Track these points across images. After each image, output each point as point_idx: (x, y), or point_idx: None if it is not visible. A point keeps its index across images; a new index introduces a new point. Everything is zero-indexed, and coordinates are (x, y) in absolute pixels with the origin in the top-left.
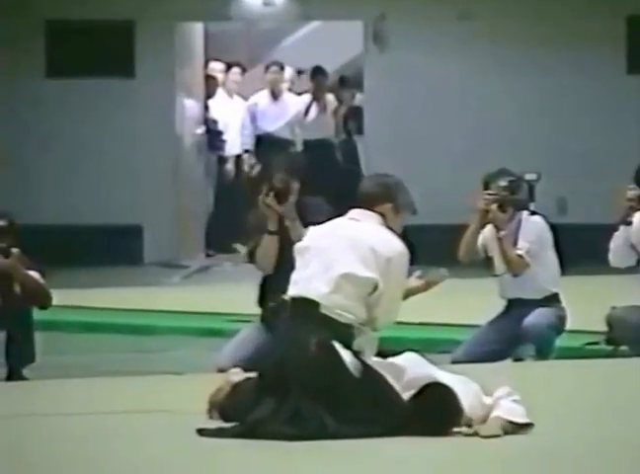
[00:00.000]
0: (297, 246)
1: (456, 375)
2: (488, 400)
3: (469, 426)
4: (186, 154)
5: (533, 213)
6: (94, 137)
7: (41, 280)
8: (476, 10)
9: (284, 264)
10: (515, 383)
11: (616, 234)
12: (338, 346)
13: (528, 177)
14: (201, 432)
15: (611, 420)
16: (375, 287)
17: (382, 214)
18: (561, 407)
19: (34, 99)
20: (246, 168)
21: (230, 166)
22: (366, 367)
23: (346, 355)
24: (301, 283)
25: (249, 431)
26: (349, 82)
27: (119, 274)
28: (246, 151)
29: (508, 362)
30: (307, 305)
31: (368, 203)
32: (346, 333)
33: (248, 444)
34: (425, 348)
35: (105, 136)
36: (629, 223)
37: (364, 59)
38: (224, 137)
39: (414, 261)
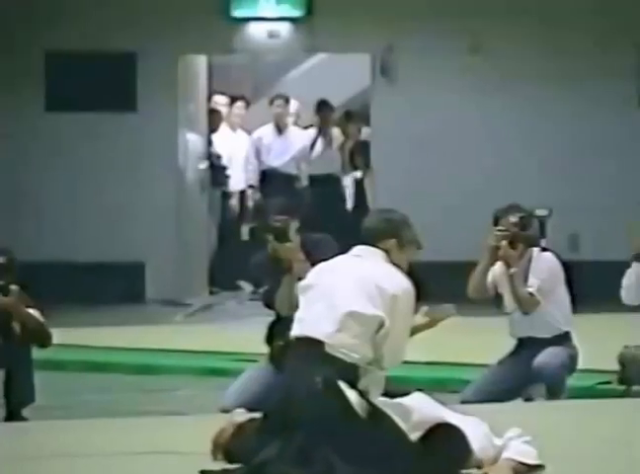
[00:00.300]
0: (300, 284)
1: (466, 416)
2: (498, 441)
3: (479, 467)
4: (189, 189)
5: (545, 250)
6: (95, 172)
7: (41, 319)
8: (486, 43)
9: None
10: (525, 424)
11: (629, 271)
12: (343, 385)
13: (539, 212)
14: (205, 473)
15: (623, 462)
16: (381, 325)
17: (386, 250)
18: (572, 448)
19: (33, 133)
20: (250, 204)
21: (234, 201)
22: (373, 408)
23: (351, 395)
24: (306, 322)
25: (254, 472)
26: (355, 116)
27: (120, 312)
28: (250, 186)
29: (518, 402)
30: (312, 344)
31: (372, 239)
32: (351, 372)
33: None
34: (433, 387)
35: (106, 171)
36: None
37: (372, 92)
38: (228, 172)
39: (422, 297)
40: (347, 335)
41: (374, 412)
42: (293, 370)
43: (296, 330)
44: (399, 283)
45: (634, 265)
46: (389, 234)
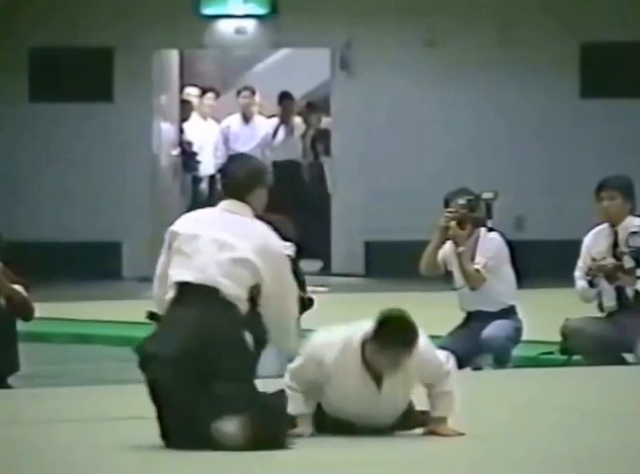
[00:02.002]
0: (181, 233)
1: None
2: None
3: (423, 425)
4: (162, 174)
5: (491, 230)
6: (74, 159)
7: (25, 294)
8: (440, 37)
9: None
10: (474, 391)
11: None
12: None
13: (486, 195)
14: None
15: (564, 425)
16: (258, 280)
17: (251, 200)
18: (517, 413)
19: (18, 122)
20: (219, 187)
21: (204, 185)
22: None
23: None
24: (196, 270)
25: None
26: (316, 106)
27: (99, 288)
28: (219, 171)
29: (467, 371)
30: (208, 292)
31: (241, 193)
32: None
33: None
34: None
35: (85, 158)
36: (593, 286)
37: (331, 84)
38: (199, 158)
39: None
40: (234, 283)
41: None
42: (195, 315)
43: (186, 276)
44: (277, 243)
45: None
46: (256, 184)
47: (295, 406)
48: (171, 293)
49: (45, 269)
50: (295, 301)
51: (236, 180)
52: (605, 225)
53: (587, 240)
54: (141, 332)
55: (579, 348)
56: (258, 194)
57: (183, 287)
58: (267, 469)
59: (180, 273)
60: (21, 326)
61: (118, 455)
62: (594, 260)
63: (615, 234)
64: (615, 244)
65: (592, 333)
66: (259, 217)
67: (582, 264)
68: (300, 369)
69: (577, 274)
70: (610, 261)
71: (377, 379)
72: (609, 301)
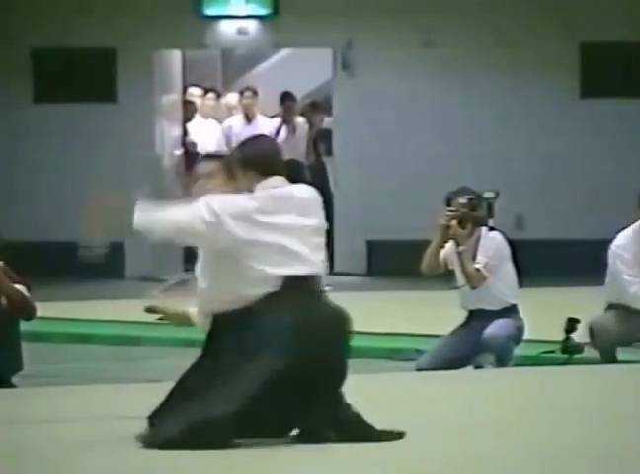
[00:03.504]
0: (246, 238)
1: None
2: None
3: None
4: (165, 175)
5: (492, 229)
6: (78, 159)
7: (26, 293)
8: (437, 38)
9: None
10: (475, 390)
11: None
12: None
13: (487, 195)
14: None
15: (564, 424)
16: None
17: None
18: (518, 412)
19: (22, 122)
20: None
21: None
22: None
23: None
24: (296, 261)
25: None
26: (320, 106)
27: (101, 287)
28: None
29: (469, 370)
30: (312, 281)
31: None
32: None
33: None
34: (391, 356)
35: (88, 158)
36: None
37: (333, 84)
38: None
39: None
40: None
41: None
42: (313, 307)
43: (289, 270)
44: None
45: None
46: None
47: None
48: (264, 287)
49: (48, 268)
50: None
51: (275, 158)
52: (637, 225)
53: (622, 244)
54: (143, 331)
55: (603, 345)
56: None
57: (287, 281)
58: (260, 469)
59: (282, 267)
60: (23, 325)
61: (118, 455)
62: None
63: None
64: None
65: (618, 331)
66: None
67: (630, 269)
68: None
69: (629, 279)
70: None
71: None
72: None
